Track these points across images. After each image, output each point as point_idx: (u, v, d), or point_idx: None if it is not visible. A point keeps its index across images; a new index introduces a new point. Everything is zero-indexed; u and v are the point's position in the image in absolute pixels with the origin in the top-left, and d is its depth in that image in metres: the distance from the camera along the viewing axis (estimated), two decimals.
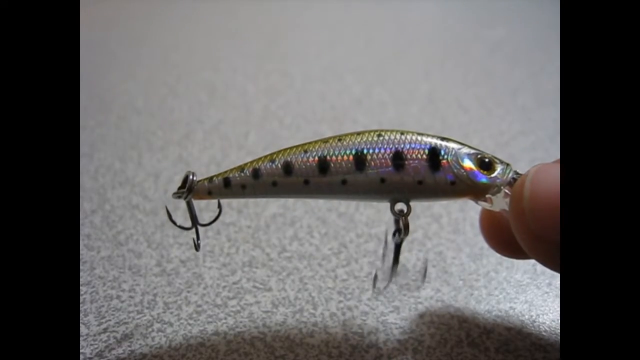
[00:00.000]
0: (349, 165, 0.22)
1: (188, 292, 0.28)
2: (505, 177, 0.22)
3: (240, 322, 0.26)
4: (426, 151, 0.22)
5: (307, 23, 0.75)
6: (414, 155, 0.22)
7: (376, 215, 0.34)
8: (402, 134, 0.22)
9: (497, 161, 0.22)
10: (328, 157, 0.22)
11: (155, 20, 0.74)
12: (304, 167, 0.22)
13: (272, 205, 0.35)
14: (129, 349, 0.25)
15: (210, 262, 0.30)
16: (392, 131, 0.22)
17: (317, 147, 0.22)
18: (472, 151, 0.22)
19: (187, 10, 0.78)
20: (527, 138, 0.44)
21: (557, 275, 0.28)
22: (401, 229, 0.24)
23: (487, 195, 0.22)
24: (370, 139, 0.22)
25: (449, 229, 0.33)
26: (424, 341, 0.25)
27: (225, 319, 0.26)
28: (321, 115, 0.48)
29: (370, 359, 0.24)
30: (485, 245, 0.25)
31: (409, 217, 0.23)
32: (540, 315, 0.26)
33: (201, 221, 0.24)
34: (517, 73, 0.57)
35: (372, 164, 0.22)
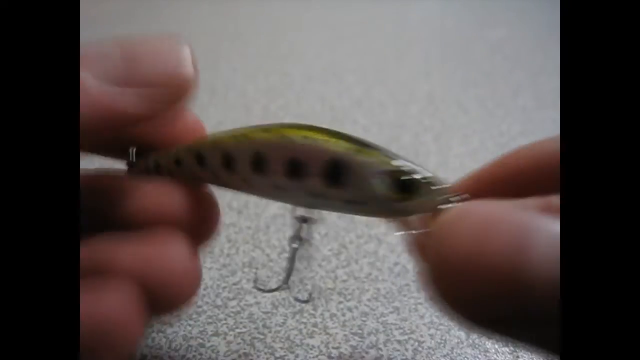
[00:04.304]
0: (248, 166, 0.19)
1: None
2: (428, 204, 0.17)
3: (240, 322, 0.26)
4: (325, 162, 0.18)
5: (307, 23, 0.75)
6: (311, 165, 0.18)
7: None
8: (305, 137, 0.18)
9: (425, 181, 0.17)
10: (232, 155, 0.20)
11: (155, 21, 0.74)
12: (212, 160, 0.20)
13: (273, 206, 0.34)
14: None
15: (210, 262, 0.30)
16: (298, 130, 0.19)
17: (225, 142, 0.20)
18: (390, 168, 0.17)
19: (186, 11, 0.78)
20: (527, 139, 0.43)
21: None
22: (298, 237, 0.21)
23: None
24: (273, 139, 0.19)
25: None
26: (424, 342, 0.25)
27: (225, 319, 0.26)
28: (321, 115, 0.48)
29: (370, 359, 0.24)
30: None
31: (312, 227, 0.21)
32: None
33: None
34: (517, 74, 0.57)
35: (268, 168, 0.19)
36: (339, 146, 0.18)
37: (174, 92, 0.17)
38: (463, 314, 0.14)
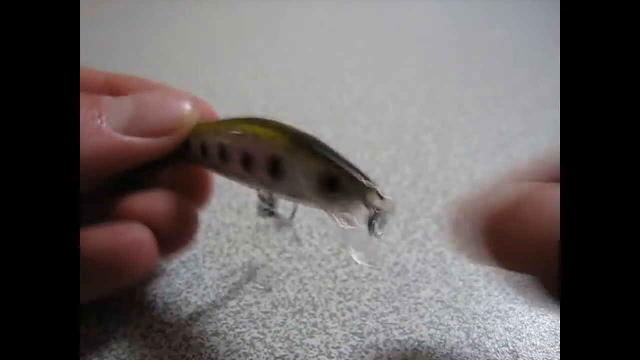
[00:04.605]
0: (216, 154, 0.23)
1: (188, 292, 0.28)
2: (353, 202, 0.19)
3: (240, 322, 0.26)
4: (267, 157, 0.20)
5: (307, 23, 0.75)
6: (258, 160, 0.21)
7: None
8: (256, 137, 0.21)
9: (351, 180, 0.19)
10: (206, 143, 0.23)
11: (154, 21, 0.74)
12: (194, 146, 0.24)
13: None
14: (129, 349, 0.25)
15: (210, 262, 0.30)
16: (259, 128, 0.21)
17: (204, 131, 0.24)
18: (317, 168, 0.19)
19: (187, 10, 0.78)
20: (528, 139, 0.44)
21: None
22: (266, 205, 0.25)
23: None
24: (235, 134, 0.22)
25: (449, 229, 0.33)
26: (424, 342, 0.25)
27: (225, 319, 0.26)
28: (321, 115, 0.48)
29: (370, 359, 0.24)
30: None
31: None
32: (541, 316, 0.26)
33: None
34: (517, 74, 0.57)
35: (230, 158, 0.22)
36: (279, 145, 0.20)
37: (172, 139, 0.23)
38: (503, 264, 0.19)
